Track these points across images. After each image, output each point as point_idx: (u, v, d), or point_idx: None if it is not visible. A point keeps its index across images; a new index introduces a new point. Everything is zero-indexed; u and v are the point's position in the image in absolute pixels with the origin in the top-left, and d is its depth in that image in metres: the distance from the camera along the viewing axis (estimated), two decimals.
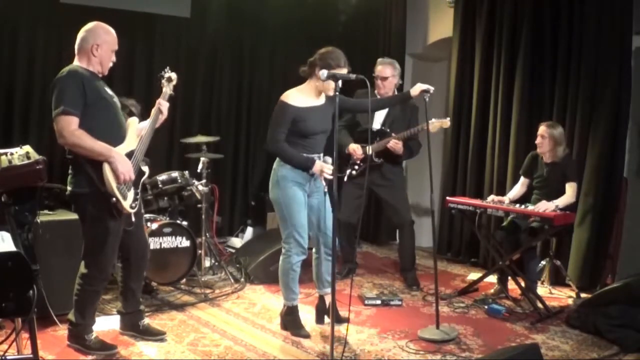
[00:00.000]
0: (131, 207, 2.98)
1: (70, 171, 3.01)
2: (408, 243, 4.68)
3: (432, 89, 3.73)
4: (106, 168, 2.89)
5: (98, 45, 3.00)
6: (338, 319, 3.54)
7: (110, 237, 3.00)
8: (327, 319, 3.59)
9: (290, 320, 3.51)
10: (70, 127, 2.83)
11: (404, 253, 4.72)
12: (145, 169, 3.17)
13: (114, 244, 3.04)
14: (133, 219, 3.07)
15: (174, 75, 3.37)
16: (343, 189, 4.63)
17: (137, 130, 3.17)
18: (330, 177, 3.25)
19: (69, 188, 3.00)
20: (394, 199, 4.59)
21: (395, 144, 4.37)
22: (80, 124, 2.86)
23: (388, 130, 4.47)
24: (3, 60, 5.03)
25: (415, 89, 3.76)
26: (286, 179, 3.36)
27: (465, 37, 5.58)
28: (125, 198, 2.94)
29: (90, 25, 3.06)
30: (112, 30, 3.09)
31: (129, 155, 3.03)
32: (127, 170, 2.94)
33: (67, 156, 3.00)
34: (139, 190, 3.08)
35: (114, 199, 2.89)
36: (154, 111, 3.27)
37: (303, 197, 3.41)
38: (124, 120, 3.16)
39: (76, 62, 3.03)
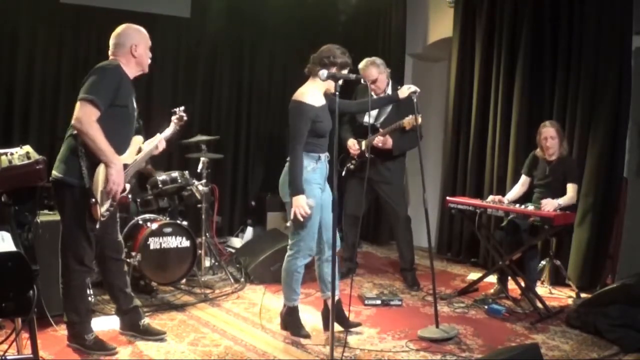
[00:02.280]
0: (102, 215, 2.99)
1: (63, 155, 2.98)
2: (403, 240, 4.67)
3: (418, 89, 3.71)
4: (101, 169, 2.90)
5: (136, 45, 3.04)
6: (349, 324, 3.53)
7: (87, 231, 3.00)
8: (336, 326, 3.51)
9: (291, 321, 3.50)
10: (91, 117, 2.84)
11: (401, 251, 4.71)
12: (127, 186, 3.15)
13: (91, 237, 3.04)
14: (97, 226, 3.05)
15: (185, 117, 3.51)
16: (347, 183, 4.68)
17: (137, 149, 3.20)
18: (301, 219, 3.20)
19: (55, 172, 2.97)
20: (388, 195, 4.59)
21: (379, 140, 4.40)
22: (97, 119, 2.87)
23: (378, 125, 4.48)
24: (3, 60, 5.04)
25: (404, 91, 3.73)
26: (307, 182, 3.26)
27: (465, 37, 5.58)
28: (102, 205, 2.95)
29: (119, 29, 3.09)
30: (142, 28, 3.13)
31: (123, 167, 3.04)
32: (119, 181, 2.94)
33: (67, 137, 2.98)
34: (115, 203, 3.07)
35: (93, 200, 2.91)
36: (149, 146, 3.31)
37: (320, 198, 3.35)
38: (132, 136, 3.17)
39: (116, 60, 3.04)
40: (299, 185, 3.18)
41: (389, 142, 4.43)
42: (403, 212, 4.66)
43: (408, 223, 4.67)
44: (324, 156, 3.36)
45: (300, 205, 3.17)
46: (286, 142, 6.64)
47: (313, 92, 3.28)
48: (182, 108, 3.52)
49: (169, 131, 3.49)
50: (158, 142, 3.35)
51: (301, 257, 3.37)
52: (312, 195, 3.25)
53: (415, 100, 3.70)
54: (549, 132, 4.24)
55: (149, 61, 3.15)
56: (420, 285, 4.60)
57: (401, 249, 4.72)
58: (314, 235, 3.34)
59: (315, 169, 3.30)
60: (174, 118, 3.49)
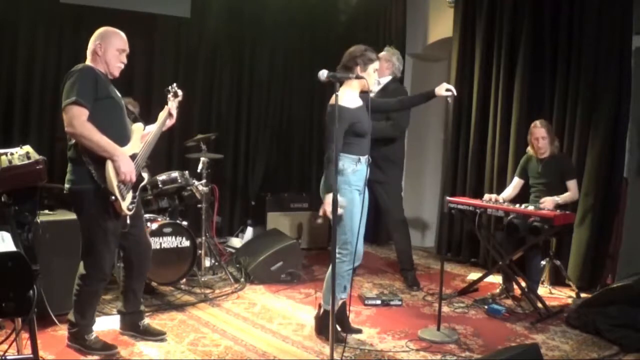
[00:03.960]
0: (128, 209, 2.99)
1: (69, 168, 3.01)
2: (401, 241, 4.66)
3: (453, 94, 3.49)
4: (109, 165, 2.90)
5: (101, 45, 3.04)
6: (350, 329, 3.52)
7: (108, 237, 3.00)
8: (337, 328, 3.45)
9: (327, 325, 3.39)
10: (80, 117, 2.85)
11: (399, 252, 4.71)
12: (145, 174, 3.17)
13: (111, 243, 3.04)
14: (128, 221, 3.07)
15: (180, 92, 3.45)
16: None
17: (141, 136, 3.20)
18: (329, 215, 3.11)
19: (67, 186, 3.00)
20: (384, 197, 4.56)
21: None
22: (88, 118, 2.88)
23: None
24: (3, 60, 5.04)
25: (440, 89, 3.48)
26: (349, 183, 3.27)
27: (465, 37, 5.58)
28: (123, 199, 2.95)
29: (100, 29, 3.11)
30: (120, 33, 3.12)
31: (132, 158, 3.04)
32: (129, 170, 2.95)
33: (68, 150, 3.00)
34: (137, 194, 3.08)
35: (113, 197, 2.90)
36: (162, 115, 3.30)
37: (360, 201, 3.35)
38: (128, 121, 3.17)
39: (88, 63, 3.07)
40: (329, 185, 3.19)
41: None
42: (400, 214, 4.64)
43: (405, 224, 4.66)
44: (364, 159, 3.34)
45: (327, 203, 3.13)
46: (286, 142, 6.73)
47: (348, 95, 3.29)
48: (174, 85, 3.49)
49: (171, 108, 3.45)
50: (168, 113, 3.30)
51: (348, 262, 3.31)
52: (351, 199, 3.24)
53: (450, 101, 3.51)
54: (540, 133, 4.28)
55: (120, 66, 3.11)
56: (420, 285, 4.60)
57: (399, 250, 4.71)
58: (360, 239, 3.30)
59: (355, 171, 3.29)
60: (169, 96, 3.44)
